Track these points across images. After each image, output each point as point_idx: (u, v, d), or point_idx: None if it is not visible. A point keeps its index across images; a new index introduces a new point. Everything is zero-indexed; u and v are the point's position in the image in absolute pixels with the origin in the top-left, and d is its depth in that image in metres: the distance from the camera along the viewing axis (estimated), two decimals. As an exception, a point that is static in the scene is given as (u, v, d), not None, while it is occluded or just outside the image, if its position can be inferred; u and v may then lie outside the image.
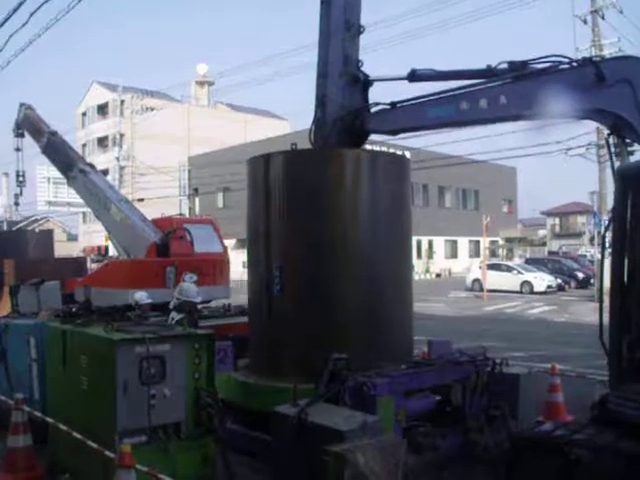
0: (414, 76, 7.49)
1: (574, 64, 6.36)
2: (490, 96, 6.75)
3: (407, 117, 7.50)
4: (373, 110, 7.74)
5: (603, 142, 25.62)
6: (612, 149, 6.55)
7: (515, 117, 7.06)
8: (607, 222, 5.59)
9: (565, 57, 6.45)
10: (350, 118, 7.66)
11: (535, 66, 6.58)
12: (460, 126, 8.25)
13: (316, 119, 7.70)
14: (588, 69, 6.08)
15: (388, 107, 7.52)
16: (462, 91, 6.96)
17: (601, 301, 5.53)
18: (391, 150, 21.32)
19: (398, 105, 7.43)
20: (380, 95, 7.76)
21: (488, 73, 6.92)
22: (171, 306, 8.77)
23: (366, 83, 7.93)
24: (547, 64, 6.49)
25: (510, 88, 6.69)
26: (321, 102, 7.66)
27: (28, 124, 16.37)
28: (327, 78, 7.66)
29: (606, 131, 6.66)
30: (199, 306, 10.86)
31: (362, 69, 7.94)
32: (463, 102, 6.91)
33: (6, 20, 14.52)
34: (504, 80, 6.74)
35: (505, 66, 6.78)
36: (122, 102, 52.04)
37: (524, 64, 6.63)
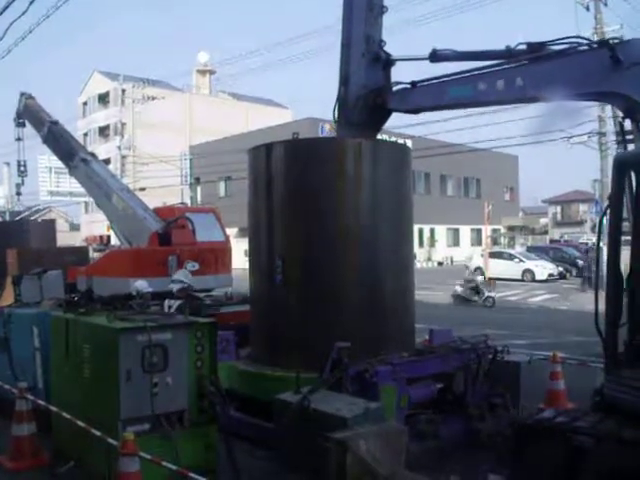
0: (435, 56, 7.55)
1: (592, 46, 6.31)
2: (507, 77, 6.74)
3: (427, 96, 7.57)
4: (394, 89, 7.78)
5: (605, 130, 25.49)
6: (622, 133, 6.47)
7: (531, 99, 7.04)
8: (603, 210, 5.56)
9: (582, 38, 6.41)
10: (372, 97, 7.72)
11: (552, 47, 6.53)
12: (478, 106, 8.30)
13: (339, 97, 7.79)
14: (604, 52, 6.00)
15: (409, 86, 7.56)
16: (480, 72, 6.97)
17: (596, 287, 5.52)
18: (393, 139, 21.27)
19: (418, 84, 7.47)
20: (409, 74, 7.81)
21: (506, 54, 6.91)
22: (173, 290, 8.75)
23: (388, 63, 7.95)
24: (564, 46, 6.43)
25: (527, 70, 6.67)
26: (344, 81, 7.74)
27: (29, 114, 16.33)
28: (350, 57, 7.74)
29: (610, 117, 6.64)
30: (201, 294, 10.86)
31: (384, 49, 7.96)
32: (481, 83, 6.93)
33: (5, 8, 14.43)
34: (521, 61, 6.73)
35: (523, 47, 6.75)
36: (123, 91, 51.86)
37: (542, 45, 6.59)
